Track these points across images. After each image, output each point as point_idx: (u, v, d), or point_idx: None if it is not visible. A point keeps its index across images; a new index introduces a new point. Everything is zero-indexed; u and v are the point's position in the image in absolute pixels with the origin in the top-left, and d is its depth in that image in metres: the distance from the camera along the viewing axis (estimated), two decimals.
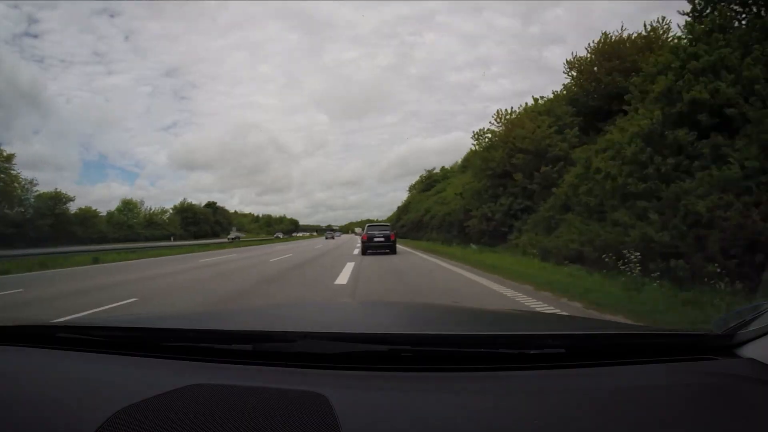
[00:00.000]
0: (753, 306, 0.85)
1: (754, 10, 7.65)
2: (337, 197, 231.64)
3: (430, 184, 44.82)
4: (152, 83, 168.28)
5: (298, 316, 1.51)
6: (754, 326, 0.79)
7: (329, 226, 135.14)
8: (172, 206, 65.66)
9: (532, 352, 0.82)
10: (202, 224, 65.82)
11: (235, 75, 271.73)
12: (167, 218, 59.44)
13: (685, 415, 0.66)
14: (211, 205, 79.39)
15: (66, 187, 59.32)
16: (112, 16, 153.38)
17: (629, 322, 3.84)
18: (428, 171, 48.87)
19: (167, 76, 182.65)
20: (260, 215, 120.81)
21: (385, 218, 58.52)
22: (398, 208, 50.29)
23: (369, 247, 15.73)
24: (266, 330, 0.99)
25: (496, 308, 4.50)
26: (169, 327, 1.10)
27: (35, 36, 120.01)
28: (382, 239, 15.89)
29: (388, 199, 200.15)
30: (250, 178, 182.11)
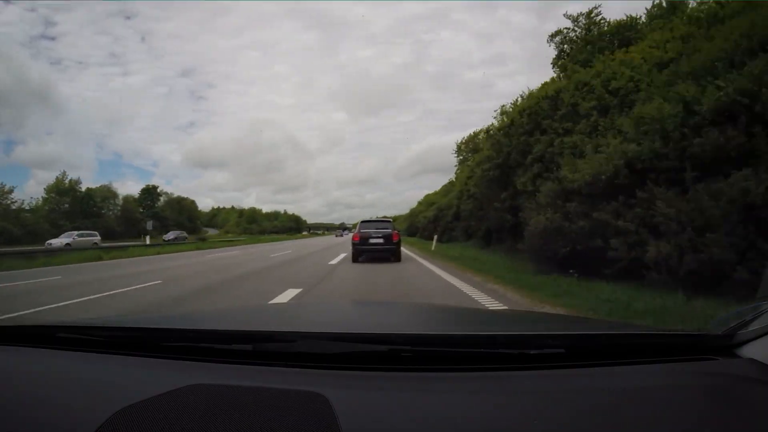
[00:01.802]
0: (753, 306, 0.85)
1: None
2: (353, 195, 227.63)
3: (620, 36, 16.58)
4: (168, 83, 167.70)
5: (298, 316, 1.51)
6: (754, 326, 0.79)
7: (342, 224, 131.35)
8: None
9: (532, 352, 0.82)
10: (106, 218, 43.99)
11: (251, 74, 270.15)
12: (17, 205, 37.39)
13: (685, 415, 0.66)
14: (149, 191, 56.31)
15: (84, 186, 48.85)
16: (127, 17, 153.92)
17: (630, 322, 3.82)
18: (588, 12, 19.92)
19: (183, 76, 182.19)
20: (245, 209, 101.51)
21: (406, 213, 47.48)
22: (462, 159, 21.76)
23: (362, 251, 11.74)
24: (266, 330, 0.99)
25: (495, 308, 4.50)
26: (169, 327, 1.10)
27: (52, 38, 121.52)
28: (381, 240, 11.73)
29: (404, 197, 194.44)
30: (266, 177, 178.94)
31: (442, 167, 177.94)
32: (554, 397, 0.70)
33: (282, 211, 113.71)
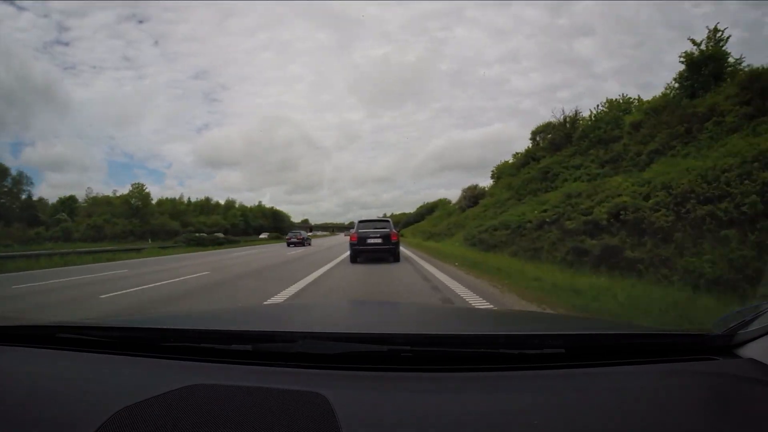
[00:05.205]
0: (753, 306, 0.85)
1: None
2: (369, 195, 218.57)
3: None
4: (182, 86, 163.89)
5: (298, 317, 1.51)
6: (755, 326, 0.79)
7: (351, 223, 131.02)
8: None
9: (532, 352, 0.82)
10: None
11: (265, 75, 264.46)
12: None
13: (685, 415, 0.66)
14: None
15: (105, 190, 42.11)
16: (140, 21, 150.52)
17: (631, 322, 3.80)
18: None
19: (197, 79, 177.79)
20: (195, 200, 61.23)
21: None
22: None
23: (360, 252, 11.41)
24: (266, 330, 0.99)
25: (495, 308, 4.49)
26: (169, 327, 1.09)
27: (66, 44, 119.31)
28: (379, 240, 11.35)
29: (422, 196, 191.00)
30: (280, 177, 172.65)
31: (460, 164, 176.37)
32: (554, 397, 0.70)
33: (257, 203, 76.45)
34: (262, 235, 58.12)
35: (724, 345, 0.82)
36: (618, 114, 15.35)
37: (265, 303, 5.20)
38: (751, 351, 0.78)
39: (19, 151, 77.02)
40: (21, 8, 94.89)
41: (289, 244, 26.82)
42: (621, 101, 17.17)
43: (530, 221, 11.43)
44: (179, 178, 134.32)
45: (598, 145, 14.03)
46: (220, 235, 37.06)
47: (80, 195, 46.74)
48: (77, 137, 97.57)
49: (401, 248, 12.74)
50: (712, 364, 0.80)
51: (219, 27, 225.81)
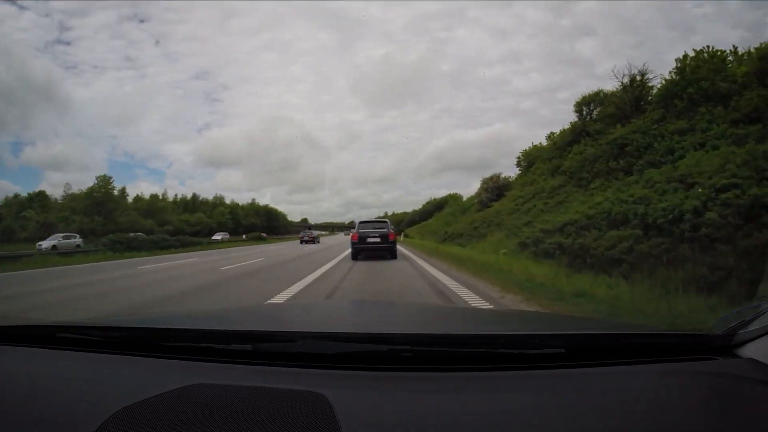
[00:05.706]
0: (753, 306, 0.85)
1: None
2: (369, 195, 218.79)
3: None
4: (183, 86, 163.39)
5: (298, 317, 1.51)
6: (755, 326, 0.79)
7: (351, 222, 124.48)
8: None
9: (532, 352, 0.82)
10: None
11: (266, 75, 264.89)
12: None
13: (685, 415, 0.66)
14: None
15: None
16: (142, 21, 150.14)
17: (631, 322, 3.78)
18: None
19: (198, 79, 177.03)
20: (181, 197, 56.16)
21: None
22: None
23: (361, 250, 12.29)
24: (266, 330, 0.99)
25: (495, 308, 4.48)
26: (169, 327, 1.09)
27: (67, 43, 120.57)
28: (378, 239, 12.27)
29: (423, 197, 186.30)
30: (281, 177, 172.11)
31: (461, 164, 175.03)
32: (554, 397, 0.70)
33: (251, 201, 69.61)
34: (217, 236, 42.16)
35: (724, 345, 0.82)
36: (720, 65, 11.84)
37: (266, 303, 5.20)
38: (751, 351, 0.78)
39: (19, 150, 77.76)
40: (22, 8, 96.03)
41: (302, 242, 31.53)
42: (710, 54, 12.93)
43: (706, 208, 5.36)
44: (180, 178, 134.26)
45: (706, 102, 10.54)
46: (142, 234, 27.10)
47: (58, 192, 41.86)
48: (78, 137, 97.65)
49: (412, 257, 13.37)
50: (712, 364, 0.80)
51: (220, 27, 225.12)
